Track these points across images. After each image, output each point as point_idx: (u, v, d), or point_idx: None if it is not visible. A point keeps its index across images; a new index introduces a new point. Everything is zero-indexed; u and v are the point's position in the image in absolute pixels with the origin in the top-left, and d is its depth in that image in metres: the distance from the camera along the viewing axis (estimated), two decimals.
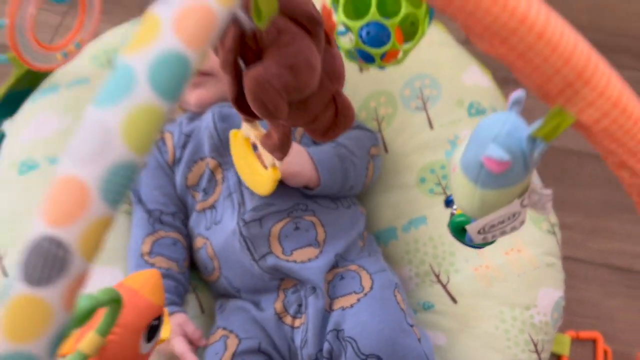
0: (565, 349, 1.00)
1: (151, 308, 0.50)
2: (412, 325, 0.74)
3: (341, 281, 0.78)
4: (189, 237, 0.86)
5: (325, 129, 0.56)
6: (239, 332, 0.78)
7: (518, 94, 0.47)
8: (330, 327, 0.74)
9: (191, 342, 0.76)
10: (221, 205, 0.81)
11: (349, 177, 0.83)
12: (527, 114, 0.46)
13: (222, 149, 0.83)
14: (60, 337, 0.34)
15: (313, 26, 0.49)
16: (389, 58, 0.71)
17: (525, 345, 0.83)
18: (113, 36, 0.99)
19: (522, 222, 0.52)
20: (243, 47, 0.49)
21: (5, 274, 0.82)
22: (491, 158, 0.45)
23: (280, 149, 0.60)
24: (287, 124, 0.57)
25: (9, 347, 0.32)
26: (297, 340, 0.76)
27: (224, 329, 0.79)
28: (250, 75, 0.48)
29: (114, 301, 0.43)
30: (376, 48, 0.70)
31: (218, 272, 0.81)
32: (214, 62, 0.79)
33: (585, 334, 1.04)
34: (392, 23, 0.67)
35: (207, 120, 0.84)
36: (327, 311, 0.76)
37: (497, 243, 0.56)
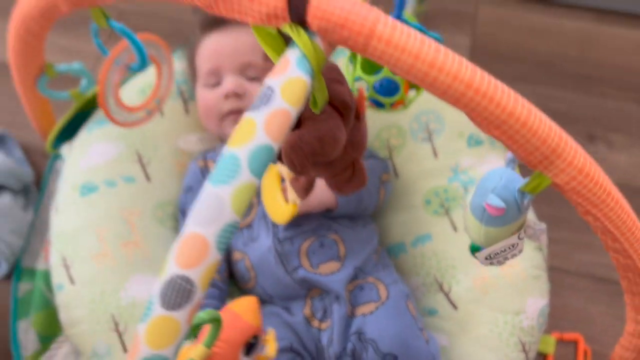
0: (550, 349, 1.03)
1: (249, 328, 0.58)
2: (421, 329, 0.82)
3: (361, 291, 0.86)
4: (227, 252, 0.94)
5: (342, 185, 0.64)
6: (276, 335, 0.87)
7: (511, 154, 0.59)
8: (353, 330, 0.82)
9: None
10: (257, 224, 0.90)
11: (363, 200, 0.91)
12: None
13: None
14: (181, 346, 0.46)
15: (345, 110, 0.58)
16: (397, 105, 0.80)
17: (515, 346, 0.88)
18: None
19: (521, 251, 0.62)
20: None
21: (72, 282, 0.89)
22: (490, 205, 0.56)
23: (304, 192, 0.70)
24: (312, 175, 0.68)
25: (150, 352, 0.43)
26: (324, 340, 0.84)
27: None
28: (287, 139, 0.56)
29: (215, 320, 0.52)
30: (387, 98, 0.78)
31: (254, 282, 0.90)
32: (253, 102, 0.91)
33: (568, 335, 1.06)
34: (401, 78, 0.75)
35: None
36: (349, 317, 0.84)
37: None
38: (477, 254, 0.63)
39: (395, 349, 0.78)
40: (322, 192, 0.86)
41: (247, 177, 0.44)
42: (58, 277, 0.91)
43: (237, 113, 0.95)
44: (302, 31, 0.48)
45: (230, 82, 0.95)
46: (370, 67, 0.77)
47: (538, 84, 1.32)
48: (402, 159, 1.03)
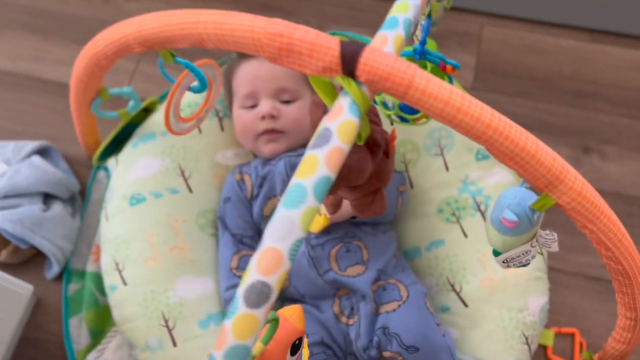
0: (550, 341, 1.09)
1: (296, 331, 0.63)
2: (438, 324, 0.90)
3: (384, 292, 0.94)
4: None
5: (363, 208, 0.70)
6: (306, 329, 0.96)
7: None
8: (378, 325, 0.90)
9: None
10: None
11: None
12: None
13: None
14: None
15: (374, 147, 0.65)
16: (419, 120, 0.89)
17: (519, 338, 0.95)
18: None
19: (534, 256, 0.70)
20: None
21: (125, 283, 0.98)
22: (506, 218, 0.65)
23: (333, 208, 0.78)
24: (339, 196, 0.75)
25: (235, 342, 0.51)
26: (352, 334, 0.92)
27: None
28: None
29: (274, 320, 0.60)
30: (411, 115, 0.89)
31: (288, 282, 0.98)
32: (286, 123, 1.01)
33: (565, 329, 1.11)
34: None
35: (280, 167, 1.00)
36: (374, 314, 0.92)
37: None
38: (497, 258, 0.71)
39: (417, 341, 0.86)
40: (347, 205, 0.95)
41: (312, 202, 0.54)
42: (111, 279, 1.00)
43: (271, 132, 1.04)
44: (352, 82, 0.58)
45: (266, 105, 1.03)
46: None
47: (537, 99, 1.37)
48: (417, 171, 1.10)
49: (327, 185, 0.55)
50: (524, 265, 0.71)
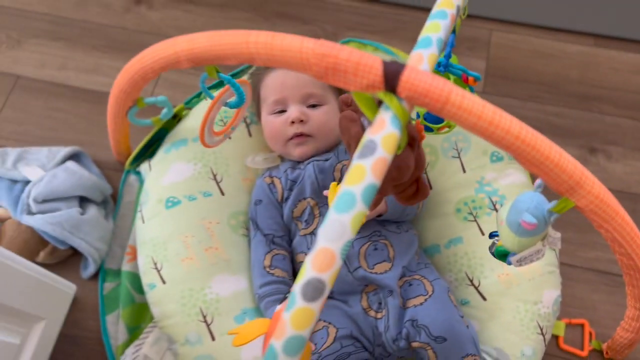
0: (561, 331, 1.14)
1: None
2: (462, 316, 0.95)
3: (410, 287, 0.99)
4: (292, 253, 1.07)
5: (408, 198, 0.73)
6: (335, 323, 0.96)
7: (540, 181, 0.74)
8: (406, 318, 0.94)
9: None
10: None
11: (406, 208, 1.03)
12: None
13: (319, 192, 1.04)
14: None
15: (413, 141, 0.70)
16: (441, 129, 0.95)
17: (534, 329, 1.00)
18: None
19: (544, 255, 0.75)
20: None
21: (163, 281, 1.03)
22: (525, 221, 0.71)
23: (372, 206, 0.79)
24: (380, 195, 0.81)
25: (293, 333, 0.57)
26: (381, 327, 0.96)
27: (324, 320, 0.97)
28: None
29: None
30: (435, 124, 0.95)
31: None
32: (314, 127, 1.06)
33: (576, 320, 1.15)
34: None
35: (309, 171, 1.05)
36: (402, 308, 0.96)
37: None
38: (510, 258, 0.76)
39: (444, 332, 0.91)
40: (379, 205, 0.99)
41: (360, 207, 0.59)
42: (149, 278, 1.06)
43: (300, 136, 1.09)
44: (394, 98, 0.64)
45: (295, 111, 1.08)
46: None
47: (545, 103, 1.42)
48: (436, 173, 1.15)
49: (373, 192, 0.60)
50: (532, 262, 0.76)
